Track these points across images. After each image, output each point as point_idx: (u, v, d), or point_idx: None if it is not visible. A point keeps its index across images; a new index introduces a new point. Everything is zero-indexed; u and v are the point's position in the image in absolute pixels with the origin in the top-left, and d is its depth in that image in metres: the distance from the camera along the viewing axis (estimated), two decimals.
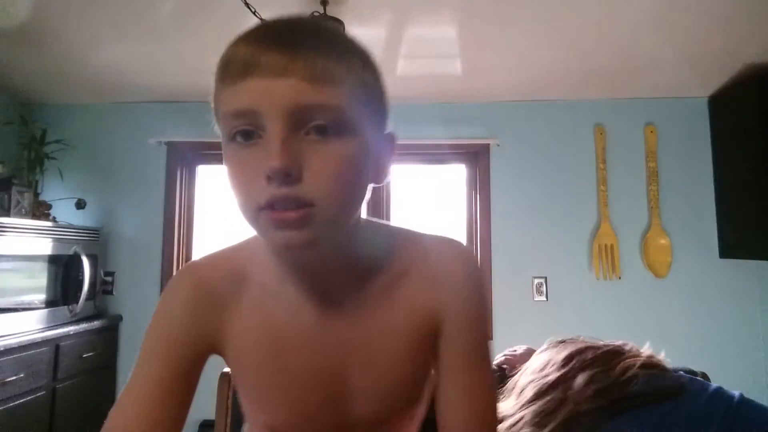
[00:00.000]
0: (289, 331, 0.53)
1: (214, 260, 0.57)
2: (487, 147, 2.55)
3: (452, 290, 0.55)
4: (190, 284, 0.54)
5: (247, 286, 0.54)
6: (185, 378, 0.53)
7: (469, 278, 0.55)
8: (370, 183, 0.50)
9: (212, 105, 0.49)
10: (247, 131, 0.44)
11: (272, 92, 0.42)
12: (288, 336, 0.53)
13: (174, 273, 2.55)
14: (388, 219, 2.65)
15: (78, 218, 2.49)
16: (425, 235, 0.59)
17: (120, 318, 2.50)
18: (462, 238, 2.67)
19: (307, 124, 0.43)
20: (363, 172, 0.48)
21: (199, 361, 0.54)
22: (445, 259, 0.56)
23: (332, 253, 0.52)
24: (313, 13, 1.60)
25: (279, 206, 0.43)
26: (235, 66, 0.44)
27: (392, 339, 0.54)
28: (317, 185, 0.43)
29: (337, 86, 0.44)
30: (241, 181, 0.45)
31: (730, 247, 2.32)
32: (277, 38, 0.44)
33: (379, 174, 0.51)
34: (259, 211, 0.44)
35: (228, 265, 0.56)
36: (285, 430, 0.56)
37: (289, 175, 0.42)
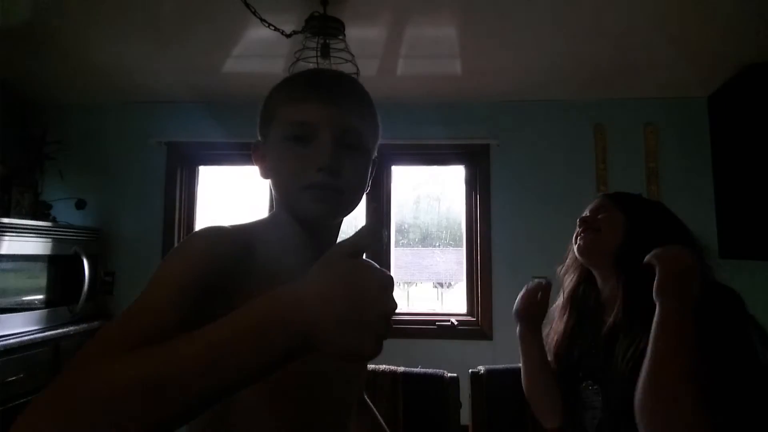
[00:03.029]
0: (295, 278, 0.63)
1: (227, 228, 0.64)
2: (487, 147, 2.55)
3: None
4: (210, 239, 0.60)
5: (256, 251, 0.64)
6: (191, 313, 0.54)
7: None
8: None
9: (270, 112, 0.70)
10: (304, 136, 0.65)
11: (330, 115, 0.65)
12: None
13: None
14: (388, 219, 2.65)
15: (78, 218, 2.49)
16: None
17: None
18: (462, 237, 2.67)
19: (345, 141, 0.65)
20: (368, 179, 0.72)
21: (207, 304, 0.56)
22: None
23: (334, 227, 0.74)
24: (313, 13, 1.60)
25: (320, 188, 0.64)
26: (304, 92, 0.67)
27: None
28: (347, 181, 0.66)
29: (366, 122, 0.69)
30: (295, 166, 0.65)
31: (730, 247, 2.32)
32: (336, 82, 0.70)
33: (369, 183, 0.73)
34: (303, 189, 0.64)
35: (239, 233, 0.64)
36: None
37: (334, 170, 0.63)
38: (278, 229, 0.69)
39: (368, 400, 0.92)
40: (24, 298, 2.04)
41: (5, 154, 2.37)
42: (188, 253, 0.59)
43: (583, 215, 1.08)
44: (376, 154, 0.75)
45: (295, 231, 0.69)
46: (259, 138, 0.73)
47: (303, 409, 0.65)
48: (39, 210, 2.37)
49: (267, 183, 0.74)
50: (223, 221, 0.66)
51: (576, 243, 1.08)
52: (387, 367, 1.32)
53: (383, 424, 0.91)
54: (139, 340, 0.48)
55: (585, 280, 1.10)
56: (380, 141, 0.75)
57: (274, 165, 0.68)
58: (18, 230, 1.99)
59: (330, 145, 0.64)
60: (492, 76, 2.33)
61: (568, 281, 1.15)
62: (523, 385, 1.09)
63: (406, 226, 2.88)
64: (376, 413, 0.92)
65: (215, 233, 0.61)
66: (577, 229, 1.08)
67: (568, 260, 1.17)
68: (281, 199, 0.70)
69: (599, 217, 1.04)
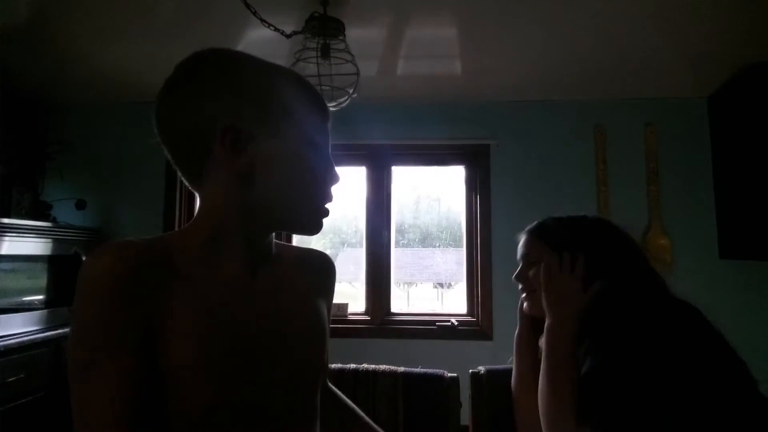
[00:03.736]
0: (233, 300, 0.60)
1: (133, 240, 0.56)
2: (487, 147, 2.55)
3: (332, 279, 0.80)
4: (111, 260, 0.52)
5: (178, 270, 0.56)
6: (145, 365, 0.51)
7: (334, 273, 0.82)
8: None
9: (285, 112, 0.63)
10: (320, 146, 0.66)
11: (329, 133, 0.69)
12: (233, 303, 0.60)
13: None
14: (388, 219, 2.65)
15: (78, 218, 2.49)
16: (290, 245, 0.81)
17: None
18: (462, 238, 2.67)
19: None
20: None
21: (145, 344, 0.52)
22: (327, 260, 0.80)
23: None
24: (313, 13, 1.60)
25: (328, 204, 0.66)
26: (320, 100, 0.67)
27: (301, 302, 0.69)
28: None
29: None
30: (319, 175, 0.65)
31: (730, 247, 2.32)
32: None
33: None
34: (323, 205, 0.65)
35: (151, 250, 0.56)
36: (221, 404, 0.56)
37: None
38: (209, 236, 0.61)
39: (335, 389, 0.87)
40: (24, 299, 2.05)
41: (5, 154, 2.37)
42: (92, 294, 0.50)
43: (516, 272, 1.03)
44: None
45: (234, 236, 0.62)
46: (237, 120, 0.59)
47: (250, 354, 0.59)
48: (39, 210, 2.37)
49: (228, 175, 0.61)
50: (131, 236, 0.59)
51: (522, 303, 1.06)
52: (387, 367, 1.32)
53: (353, 406, 0.86)
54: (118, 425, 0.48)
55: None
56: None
57: (286, 168, 0.61)
58: (18, 230, 1.99)
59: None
60: (492, 76, 2.33)
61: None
62: (513, 387, 1.07)
63: (406, 226, 2.88)
64: (343, 397, 0.87)
65: (117, 253, 0.53)
66: (519, 287, 1.04)
67: (521, 326, 1.09)
68: (275, 201, 0.62)
69: (531, 274, 0.99)
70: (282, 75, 0.65)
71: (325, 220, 0.68)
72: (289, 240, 2.27)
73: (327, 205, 0.66)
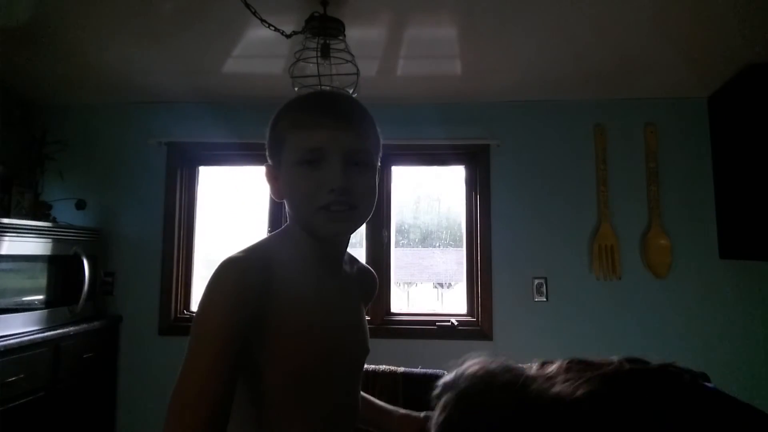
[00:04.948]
0: (317, 294, 0.76)
1: (247, 255, 0.70)
2: (486, 147, 2.55)
3: (375, 293, 0.98)
4: (236, 274, 0.66)
5: (276, 272, 0.70)
6: (236, 356, 0.64)
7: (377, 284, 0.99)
8: None
9: (276, 139, 0.76)
10: (314, 160, 0.71)
11: (337, 138, 0.72)
12: (317, 297, 0.75)
13: (171, 272, 2.54)
14: (388, 219, 2.65)
15: (78, 218, 2.49)
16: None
17: (120, 318, 2.50)
18: (462, 238, 2.67)
19: (352, 160, 0.72)
20: (377, 189, 0.78)
21: (244, 340, 0.65)
22: (376, 279, 0.97)
23: (348, 241, 0.82)
24: (313, 13, 1.60)
25: (335, 207, 0.71)
26: (311, 119, 0.73)
27: (357, 302, 0.87)
28: (359, 196, 0.73)
29: (369, 139, 0.76)
30: (308, 190, 0.72)
31: (730, 247, 2.32)
32: (338, 106, 0.75)
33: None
34: (319, 210, 0.71)
35: (260, 257, 0.71)
36: (313, 374, 0.72)
37: (346, 189, 0.71)
38: (294, 244, 0.77)
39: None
40: (24, 299, 2.04)
41: (5, 154, 2.37)
42: (220, 298, 0.65)
43: None
44: (380, 163, 0.81)
45: (309, 245, 0.76)
46: (269, 162, 0.79)
47: (323, 403, 0.74)
48: (39, 210, 2.37)
49: (270, 191, 0.79)
50: (239, 244, 0.72)
51: None
52: (387, 367, 1.32)
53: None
54: (209, 406, 0.59)
55: None
56: (381, 149, 0.82)
57: (289, 188, 0.75)
58: (18, 230, 1.99)
59: (339, 166, 0.71)
60: (492, 76, 2.33)
61: None
62: None
63: (406, 226, 2.88)
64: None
65: (240, 268, 0.67)
66: None
67: None
68: (298, 219, 0.76)
69: None
70: (288, 107, 0.77)
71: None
72: None
73: (335, 207, 0.71)
